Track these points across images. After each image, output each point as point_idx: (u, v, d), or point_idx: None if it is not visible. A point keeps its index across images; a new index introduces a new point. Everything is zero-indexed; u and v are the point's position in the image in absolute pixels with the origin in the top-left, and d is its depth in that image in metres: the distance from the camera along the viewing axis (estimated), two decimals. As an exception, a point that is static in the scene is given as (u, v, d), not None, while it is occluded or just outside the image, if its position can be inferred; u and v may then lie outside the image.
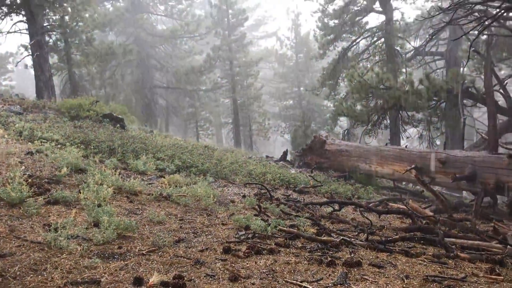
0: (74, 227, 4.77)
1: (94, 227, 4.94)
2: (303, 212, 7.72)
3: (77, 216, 5.32)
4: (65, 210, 5.57)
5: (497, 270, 4.92)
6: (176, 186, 8.02)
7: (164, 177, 8.75)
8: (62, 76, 23.38)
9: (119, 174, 7.55)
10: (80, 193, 5.97)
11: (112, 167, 8.41)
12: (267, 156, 19.85)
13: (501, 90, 12.43)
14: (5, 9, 18.32)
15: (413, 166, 11.42)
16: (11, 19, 18.89)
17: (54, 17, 20.21)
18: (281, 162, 16.81)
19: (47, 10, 19.21)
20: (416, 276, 4.42)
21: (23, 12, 18.45)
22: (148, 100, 33.28)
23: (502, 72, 20.25)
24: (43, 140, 9.43)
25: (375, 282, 4.12)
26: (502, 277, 4.69)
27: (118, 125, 14.58)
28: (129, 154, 9.92)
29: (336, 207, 8.40)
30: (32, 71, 20.42)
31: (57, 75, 23.08)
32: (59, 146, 9.22)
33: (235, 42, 33.19)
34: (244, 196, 8.60)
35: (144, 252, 4.46)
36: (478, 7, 11.55)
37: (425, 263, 5.04)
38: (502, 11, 9.96)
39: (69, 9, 19.97)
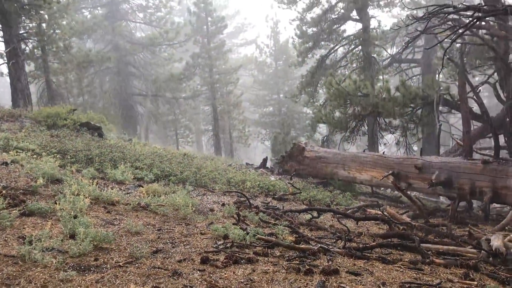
0: (49, 239, 4.70)
1: (70, 239, 4.87)
2: (282, 220, 7.75)
3: (53, 228, 5.24)
4: (40, 221, 5.49)
5: (471, 275, 5.02)
6: (154, 195, 7.97)
7: (142, 187, 8.69)
8: (39, 84, 23.05)
9: (97, 184, 7.48)
10: (56, 204, 5.89)
11: (89, 177, 8.32)
12: (247, 163, 19.87)
13: (475, 97, 12.73)
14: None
15: (390, 172, 11.59)
16: (-15, 27, 18.58)
17: (30, 25, 19.94)
18: (260, 169, 16.84)
19: (23, 18, 18.94)
20: (392, 283, 4.48)
21: (-3, 20, 18.16)
22: (127, 108, 33.03)
23: (476, 79, 20.73)
24: (19, 150, 9.28)
25: (351, 289, 4.17)
26: (476, 282, 4.79)
27: (96, 133, 14.45)
28: (107, 164, 9.83)
29: (315, 214, 8.46)
30: (7, 79, 20.09)
31: (33, 83, 22.75)
32: (35, 156, 9.09)
33: (215, 49, 33.22)
34: (223, 205, 8.59)
35: (121, 263, 4.42)
36: (451, 16, 11.83)
37: (401, 269, 5.12)
38: (474, 20, 10.22)
39: (46, 16, 19.75)
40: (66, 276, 3.84)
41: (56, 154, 9.48)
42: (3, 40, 18.20)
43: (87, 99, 30.20)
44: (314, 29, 24.40)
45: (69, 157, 9.65)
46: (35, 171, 7.58)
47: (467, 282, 4.79)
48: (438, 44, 14.01)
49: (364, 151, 15.82)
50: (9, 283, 3.56)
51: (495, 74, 14.71)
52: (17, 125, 13.15)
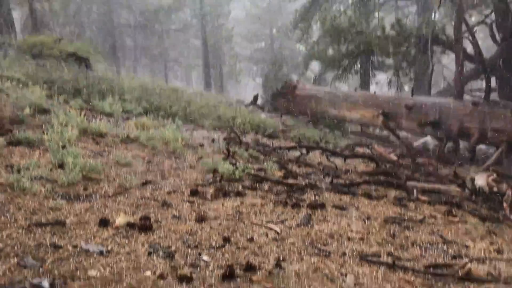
0: (38, 169, 4.69)
1: (58, 169, 4.86)
2: (272, 156, 7.80)
3: (41, 158, 5.22)
4: (28, 151, 5.45)
5: (454, 212, 5.16)
6: (143, 128, 7.91)
7: (131, 119, 8.62)
8: (22, 11, 22.13)
9: (85, 115, 7.37)
10: (44, 134, 5.83)
11: (77, 108, 8.19)
12: (237, 100, 19.74)
13: (470, 37, 12.52)
14: None
15: (380, 111, 11.60)
16: None
17: None
18: (251, 106, 16.75)
19: None
20: (376, 218, 4.59)
21: None
22: (115, 40, 32.12)
23: (473, 18, 20.29)
24: (4, 79, 9.04)
25: (337, 223, 4.27)
26: (458, 218, 4.93)
27: (83, 64, 14.08)
28: (95, 95, 9.67)
29: (304, 151, 8.52)
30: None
31: (17, 10, 21.82)
32: (21, 85, 8.88)
33: (206, -20, 31.94)
34: (213, 140, 8.59)
35: (110, 193, 4.45)
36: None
37: (386, 205, 5.24)
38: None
39: None
40: (55, 204, 3.86)
41: (42, 84, 9.26)
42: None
43: (73, 29, 29.19)
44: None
45: (56, 87, 9.45)
46: (21, 101, 7.43)
47: (450, 218, 4.93)
48: (437, -19, 13.58)
49: (355, 90, 15.73)
50: (-2, 210, 3.57)
51: (492, 14, 14.40)
52: (1, 53, 12.76)
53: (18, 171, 4.42)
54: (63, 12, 26.62)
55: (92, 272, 2.75)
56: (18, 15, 22.04)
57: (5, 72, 9.65)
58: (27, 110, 6.89)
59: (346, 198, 5.36)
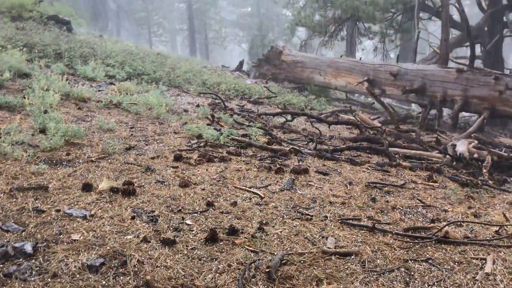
0: (19, 134, 4.63)
1: (40, 134, 4.80)
2: (256, 122, 7.80)
3: (22, 122, 5.14)
4: (8, 116, 5.36)
5: (435, 178, 5.26)
6: (127, 93, 7.82)
7: (114, 84, 8.49)
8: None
9: (67, 80, 7.25)
10: (25, 98, 5.72)
11: (59, 72, 8.03)
12: (222, 66, 19.52)
13: (456, 4, 12.45)
14: None
15: (365, 78, 11.60)
16: None
17: None
18: (237, 72, 16.61)
19: None
20: (359, 183, 4.67)
21: None
22: (96, 2, 31.24)
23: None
24: (-19, 42, 8.80)
25: (320, 187, 4.33)
26: (438, 184, 5.03)
27: (64, 28, 13.75)
28: (77, 59, 9.48)
29: (289, 117, 8.54)
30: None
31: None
32: (1, 48, 8.65)
33: None
34: (197, 106, 8.54)
35: (93, 159, 4.42)
36: None
37: (368, 171, 5.31)
38: None
39: None
40: (37, 169, 3.83)
41: (22, 48, 9.03)
42: None
43: (54, -10, 28.28)
44: None
45: (36, 51, 9.24)
46: (0, 65, 7.26)
47: (430, 183, 5.03)
48: None
49: (341, 56, 15.65)
50: (-21, 175, 3.54)
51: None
52: (-22, 16, 12.36)
53: (-1, 136, 4.36)
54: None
55: (76, 236, 2.76)
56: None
57: (-17, 35, 9.37)
58: (7, 74, 6.74)
59: (329, 164, 5.42)
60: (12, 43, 9.38)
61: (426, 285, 2.56)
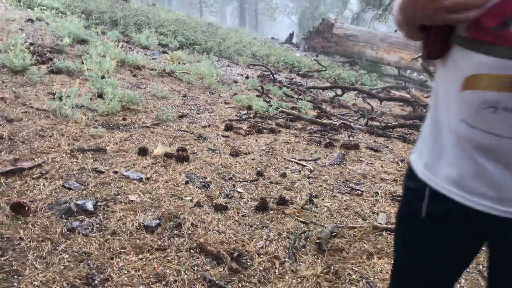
0: (78, 97, 4.81)
1: (98, 98, 4.98)
2: (306, 96, 7.74)
3: (81, 87, 5.34)
4: (68, 80, 5.57)
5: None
6: (179, 63, 7.93)
7: (167, 53, 8.63)
8: None
9: (122, 47, 7.42)
10: (83, 63, 5.92)
11: (114, 39, 8.22)
12: (272, 38, 19.37)
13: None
14: None
15: (420, 54, 11.19)
16: None
17: None
18: (286, 44, 16.45)
19: None
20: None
21: None
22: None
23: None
24: (43, 8, 9.10)
25: (370, 164, 4.28)
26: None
27: (119, -4, 13.97)
28: (131, 27, 9.67)
29: (339, 92, 8.41)
30: None
31: None
32: (60, 14, 8.93)
33: None
34: (247, 77, 8.55)
35: (148, 124, 4.55)
36: None
37: (420, 149, 5.18)
38: None
39: None
40: (96, 132, 3.99)
41: (80, 14, 9.29)
42: None
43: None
44: None
45: (93, 18, 9.48)
46: (60, 30, 7.51)
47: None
48: None
49: (395, 31, 15.15)
50: (43, 134, 3.72)
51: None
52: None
53: (60, 98, 4.54)
54: None
55: (133, 197, 2.88)
56: None
57: (44, 1, 9.69)
58: (66, 40, 6.96)
59: (380, 140, 5.33)
60: (70, 9, 9.66)
61: (479, 266, 2.50)
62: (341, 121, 5.90)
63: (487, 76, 0.89)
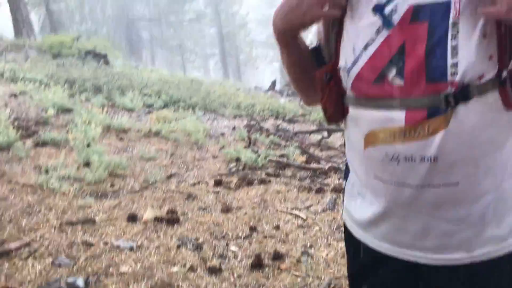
0: (65, 168, 4.79)
1: (85, 167, 4.96)
2: (293, 141, 7.80)
3: (67, 157, 5.32)
4: (54, 151, 5.56)
5: None
6: (165, 121, 7.99)
7: (152, 113, 8.70)
8: (39, 13, 22.49)
9: (107, 112, 7.49)
10: (69, 133, 5.94)
11: (99, 105, 8.31)
12: (255, 87, 19.71)
13: None
14: None
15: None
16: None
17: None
18: (270, 92, 16.73)
19: None
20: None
21: None
22: (131, 34, 32.36)
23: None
24: (27, 81, 9.22)
25: (363, 206, 4.25)
26: None
27: (102, 61, 14.26)
28: (115, 91, 9.79)
29: (325, 134, 8.49)
30: (7, 8, 19.56)
31: (34, 11, 22.16)
32: (43, 86, 9.04)
33: (217, -33, 31.79)
34: (234, 128, 8.62)
35: (136, 189, 4.53)
36: None
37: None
38: None
39: None
40: (84, 203, 3.95)
41: (64, 84, 9.42)
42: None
43: (90, 26, 29.53)
44: None
45: (77, 86, 9.59)
46: (44, 102, 7.57)
47: None
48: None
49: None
50: (30, 211, 3.68)
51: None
52: (22, 55, 13.00)
53: (46, 171, 4.53)
54: (79, 10, 26.92)
55: (124, 268, 2.82)
56: (35, 17, 22.38)
57: (27, 74, 9.83)
58: (51, 111, 7.02)
59: (370, 180, 5.33)
60: (54, 80, 9.79)
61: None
62: (330, 164, 5.91)
63: (381, 131, 0.92)
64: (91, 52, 14.61)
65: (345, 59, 0.96)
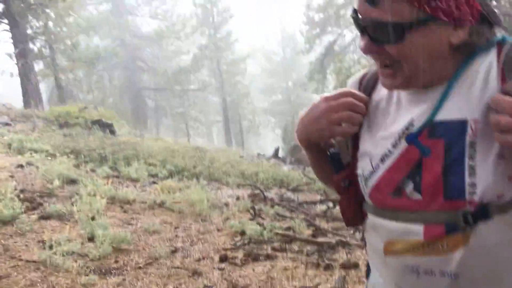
0: (69, 243, 4.72)
1: (89, 242, 4.90)
2: (298, 212, 7.74)
3: (72, 231, 5.28)
4: (59, 224, 5.52)
5: None
6: (169, 192, 7.98)
7: (157, 183, 8.72)
8: (48, 83, 23.20)
9: (112, 183, 7.52)
10: (73, 206, 5.93)
11: (104, 176, 8.36)
12: (258, 154, 19.86)
13: None
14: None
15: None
16: (-6, 28, 18.68)
17: (37, 24, 19.99)
18: (272, 159, 16.85)
19: (30, 17, 19.00)
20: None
21: (6, 21, 18.22)
22: (137, 103, 33.15)
23: None
24: (33, 152, 9.34)
25: (373, 284, 4.14)
26: None
27: (108, 130, 14.50)
28: (120, 162, 9.87)
29: (331, 204, 8.43)
30: (18, 79, 20.24)
31: (43, 81, 22.87)
32: (50, 156, 9.15)
33: (221, 40, 33.14)
34: (238, 198, 8.59)
35: (141, 265, 4.44)
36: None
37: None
38: None
39: (52, 14, 19.79)
40: (88, 281, 3.86)
41: (69, 154, 9.53)
42: (12, 41, 18.28)
43: (97, 95, 30.34)
44: (321, 15, 24.19)
45: (83, 156, 9.70)
46: (50, 173, 7.62)
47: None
48: None
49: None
50: (32, 290, 3.60)
51: None
52: (30, 126, 13.26)
53: (50, 247, 4.47)
54: (86, 80, 27.78)
55: None
56: (44, 87, 23.06)
57: (34, 145, 9.97)
58: (56, 182, 7.05)
59: (378, 255, 5.23)
60: (60, 150, 9.91)
61: None
62: (337, 237, 5.83)
63: (400, 242, 0.91)
64: (97, 122, 14.91)
65: (362, 168, 0.98)
